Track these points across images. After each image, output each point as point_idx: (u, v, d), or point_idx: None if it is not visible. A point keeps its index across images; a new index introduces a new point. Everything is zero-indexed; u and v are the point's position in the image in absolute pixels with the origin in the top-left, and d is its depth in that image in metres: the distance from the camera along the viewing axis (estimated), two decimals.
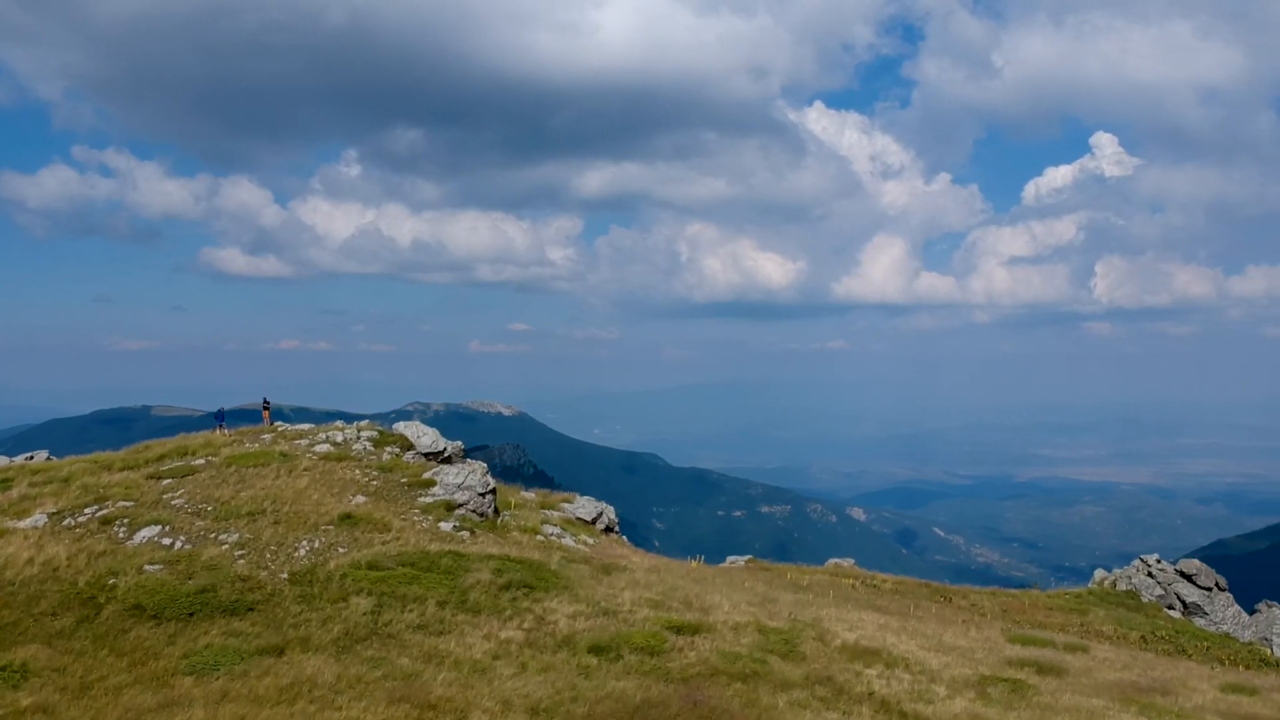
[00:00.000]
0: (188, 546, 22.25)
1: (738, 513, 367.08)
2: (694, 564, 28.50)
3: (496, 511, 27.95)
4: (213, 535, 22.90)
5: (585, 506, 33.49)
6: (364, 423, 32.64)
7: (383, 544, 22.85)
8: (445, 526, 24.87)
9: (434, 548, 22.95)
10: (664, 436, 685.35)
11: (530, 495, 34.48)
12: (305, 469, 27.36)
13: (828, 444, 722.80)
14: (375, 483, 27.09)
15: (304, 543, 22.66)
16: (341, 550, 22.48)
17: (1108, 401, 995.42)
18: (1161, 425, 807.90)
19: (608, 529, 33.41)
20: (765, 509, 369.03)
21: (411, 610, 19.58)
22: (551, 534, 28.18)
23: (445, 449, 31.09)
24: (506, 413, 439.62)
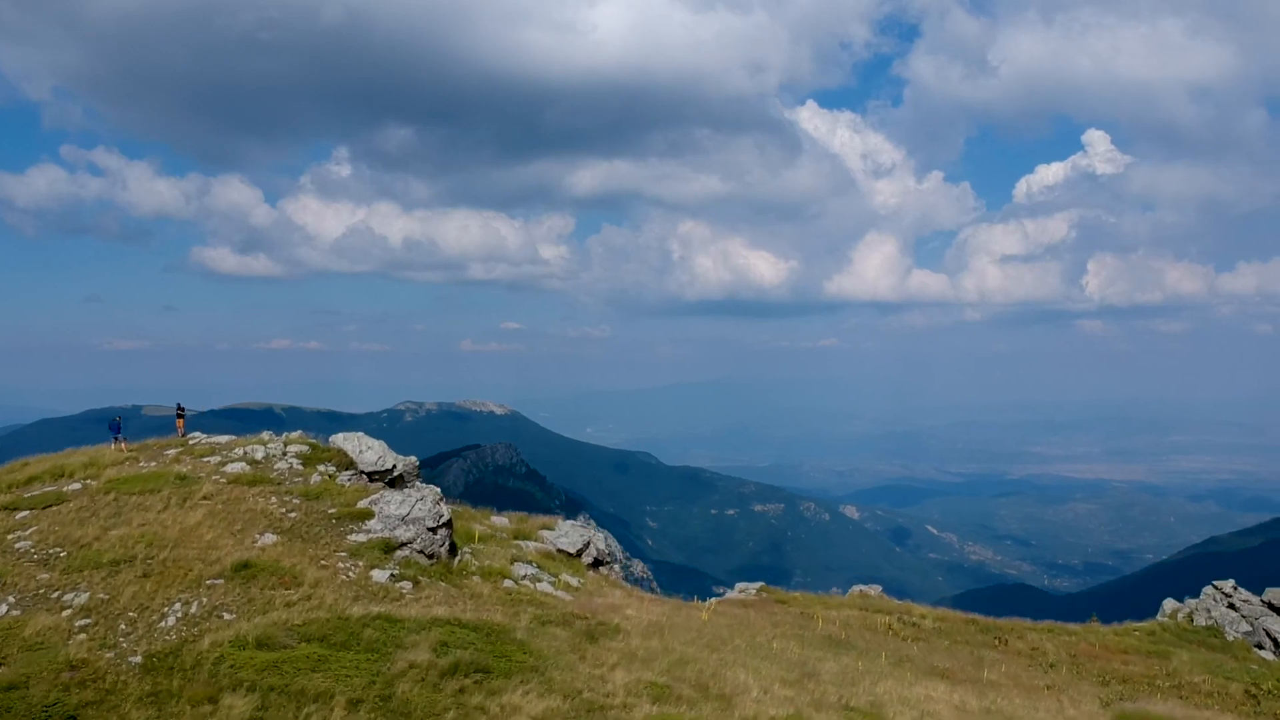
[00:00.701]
0: (14, 612, 16.09)
1: (730, 511, 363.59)
2: (705, 614, 22.46)
3: (453, 549, 21.83)
4: (55, 594, 16.74)
5: (569, 535, 27.41)
6: (295, 434, 26.46)
7: (286, 606, 16.72)
8: (379, 576, 18.74)
9: (357, 611, 16.83)
10: (656, 435, 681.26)
11: (502, 521, 28.36)
12: (204, 497, 21.16)
13: (820, 442, 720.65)
14: (294, 515, 20.92)
15: (177, 606, 16.51)
16: (227, 616, 16.33)
17: (1100, 399, 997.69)
18: (1153, 422, 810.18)
19: (596, 563, 27.35)
20: (758, 507, 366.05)
21: (309, 717, 13.52)
22: (524, 577, 22.10)
23: (394, 466, 24.97)
24: (499, 412, 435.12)
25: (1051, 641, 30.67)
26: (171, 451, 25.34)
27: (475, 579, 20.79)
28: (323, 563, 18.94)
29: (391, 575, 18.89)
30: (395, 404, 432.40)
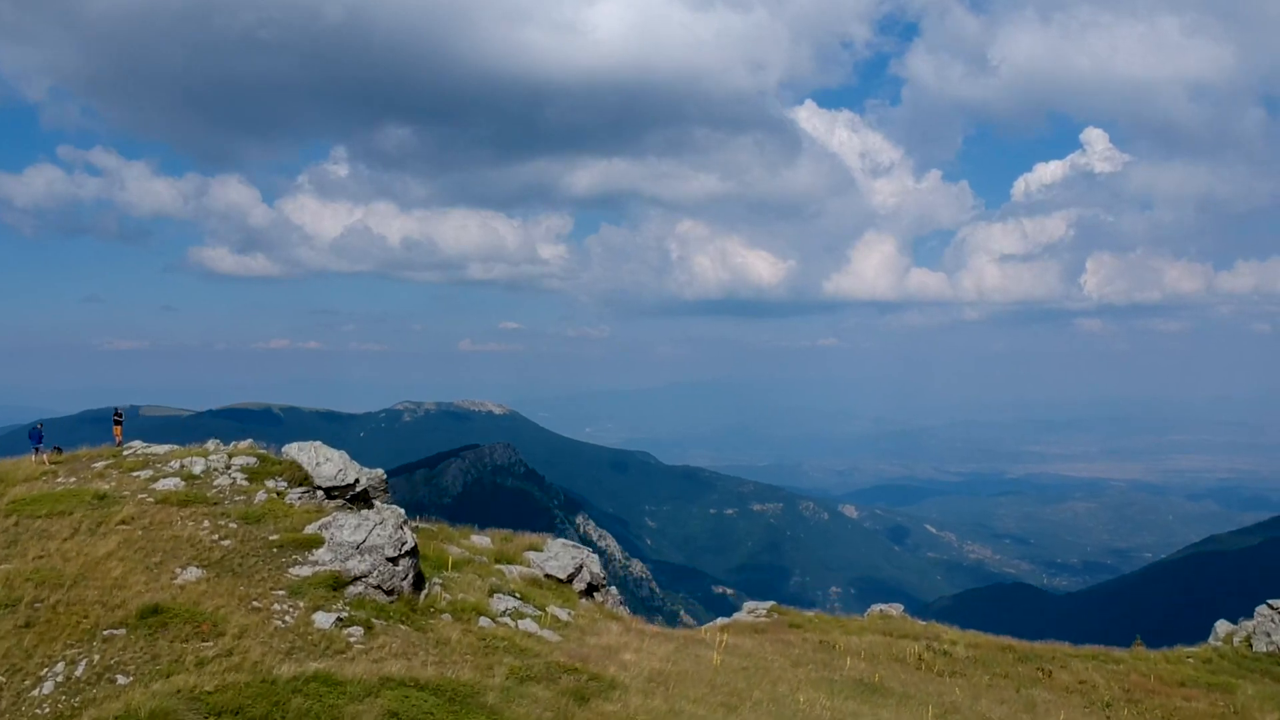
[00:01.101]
0: None
1: (730, 511, 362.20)
2: (715, 654, 19.15)
3: (419, 581, 18.48)
4: None
5: (559, 556, 24.07)
6: (244, 444, 23.12)
7: (198, 665, 13.39)
8: (322, 621, 15.39)
9: (287, 670, 13.50)
10: (655, 435, 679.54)
11: (483, 541, 24.99)
12: (122, 521, 17.82)
13: (819, 441, 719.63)
14: (227, 543, 17.57)
15: (59, 666, 13.17)
16: (120, 680, 13.01)
17: (1098, 398, 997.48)
18: (1152, 422, 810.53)
19: (590, 589, 24.02)
20: (757, 507, 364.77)
21: None
22: (504, 613, 18.76)
23: (357, 481, 21.62)
24: (498, 411, 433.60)
25: (1099, 672, 27.45)
26: (100, 464, 21.99)
27: (444, 618, 17.45)
28: (254, 604, 15.59)
29: (338, 619, 15.54)
30: (394, 404, 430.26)
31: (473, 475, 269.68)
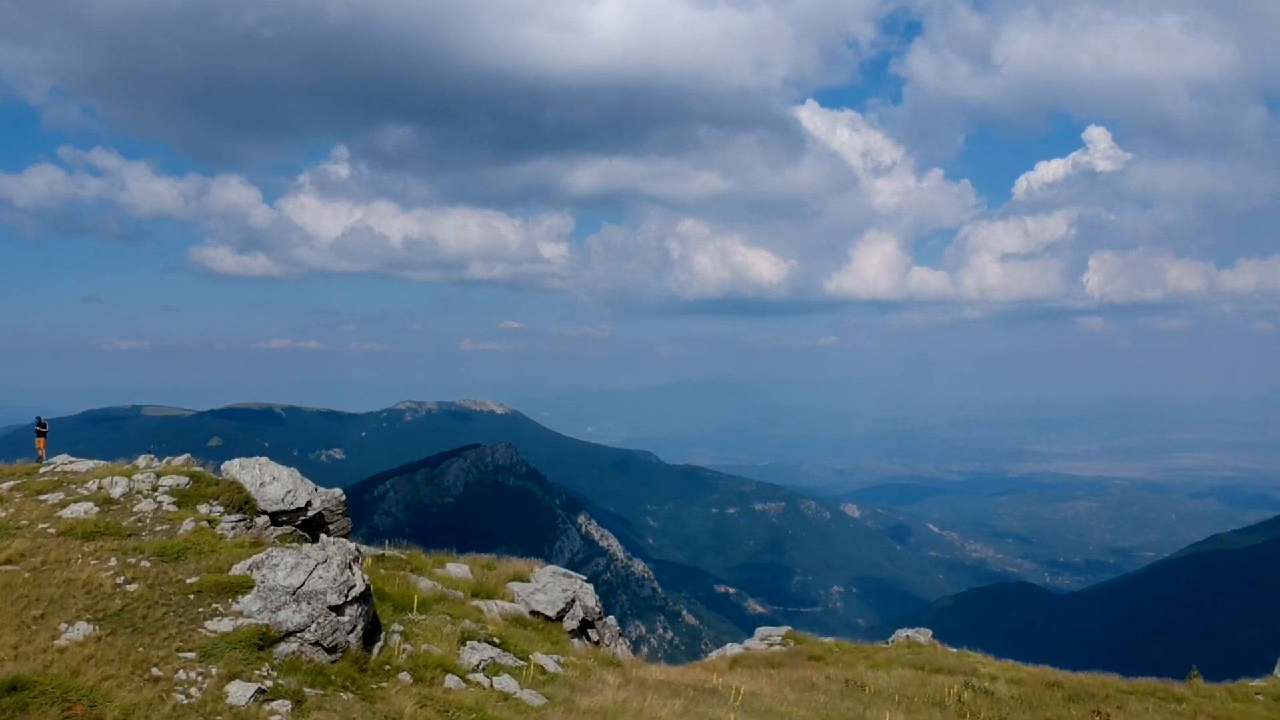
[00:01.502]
0: None
1: (731, 510, 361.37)
2: (731, 717, 15.87)
3: (373, 631, 15.18)
4: None
5: (548, 589, 20.74)
6: (179, 460, 19.83)
7: None
8: (238, 694, 12.09)
9: None
10: (657, 434, 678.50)
11: (459, 570, 21.61)
12: (8, 560, 14.51)
13: (820, 441, 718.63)
14: (133, 587, 14.27)
15: None
16: None
17: (1100, 397, 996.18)
18: (1154, 420, 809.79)
19: (584, 626, 20.69)
20: (759, 506, 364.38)
21: None
22: (478, 667, 15.46)
23: (309, 504, 18.33)
24: (499, 411, 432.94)
25: (1161, 714, 24.20)
26: (6, 484, 18.70)
27: (402, 679, 14.17)
28: (154, 671, 12.29)
29: (259, 691, 12.24)
30: (395, 403, 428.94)
31: (474, 475, 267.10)
